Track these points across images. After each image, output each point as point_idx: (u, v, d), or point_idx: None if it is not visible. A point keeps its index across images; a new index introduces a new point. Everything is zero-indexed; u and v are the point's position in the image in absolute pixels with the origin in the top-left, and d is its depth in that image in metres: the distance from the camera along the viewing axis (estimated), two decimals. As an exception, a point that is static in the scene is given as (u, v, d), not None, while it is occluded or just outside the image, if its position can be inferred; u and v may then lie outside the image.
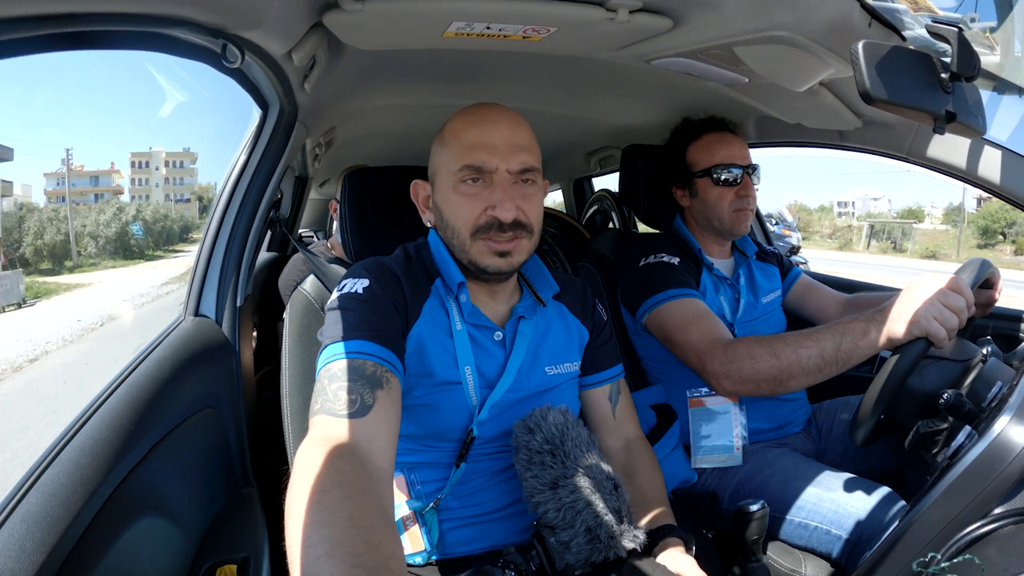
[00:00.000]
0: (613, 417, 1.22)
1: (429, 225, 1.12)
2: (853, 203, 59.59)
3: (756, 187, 1.60)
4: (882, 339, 1.14)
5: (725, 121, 1.63)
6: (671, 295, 1.46)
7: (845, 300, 1.73)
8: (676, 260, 1.53)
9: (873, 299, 1.67)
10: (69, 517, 0.70)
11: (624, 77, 1.61)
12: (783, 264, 1.81)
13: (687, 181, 1.63)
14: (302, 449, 0.79)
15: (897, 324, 1.12)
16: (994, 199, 1.88)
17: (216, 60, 0.89)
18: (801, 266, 1.98)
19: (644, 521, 1.07)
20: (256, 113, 1.34)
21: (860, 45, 0.80)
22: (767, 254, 1.78)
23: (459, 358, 1.04)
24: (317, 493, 0.70)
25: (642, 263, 1.55)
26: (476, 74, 1.61)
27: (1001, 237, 34.01)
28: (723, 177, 1.56)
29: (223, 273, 1.34)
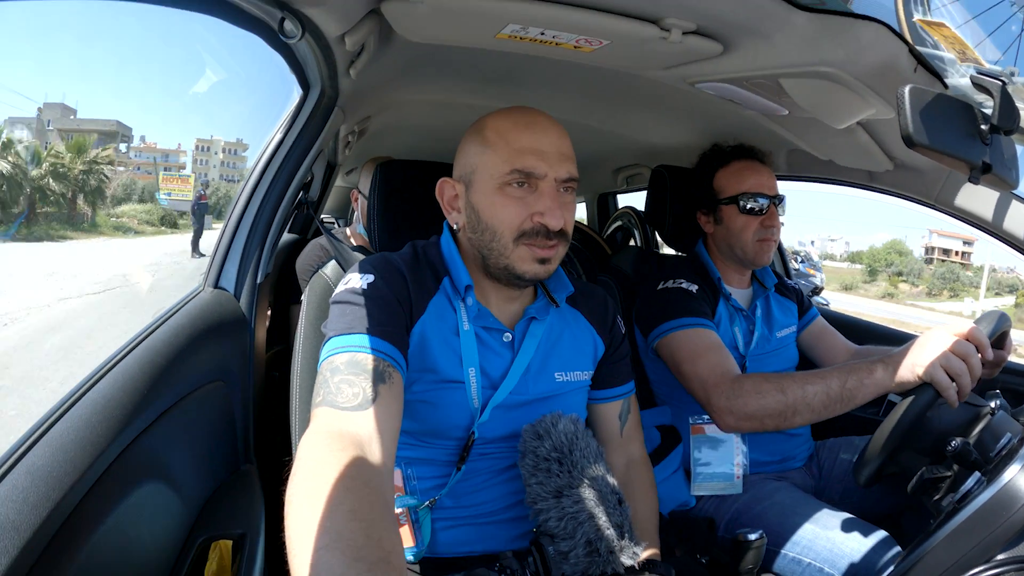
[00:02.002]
0: (620, 435, 1.21)
1: (456, 227, 1.10)
2: (812, 242, 65.25)
3: (781, 218, 1.59)
4: (889, 381, 1.14)
5: (755, 150, 1.62)
6: (685, 323, 1.45)
7: (854, 352, 1.71)
8: (695, 288, 1.51)
9: (882, 352, 1.66)
10: (75, 474, 0.70)
11: (662, 97, 1.61)
12: (803, 302, 1.79)
13: (712, 207, 1.61)
14: (304, 441, 0.79)
15: (905, 369, 1.12)
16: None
17: (271, 34, 0.90)
18: (821, 307, 1.96)
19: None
20: (296, 94, 1.35)
21: (907, 89, 0.81)
22: (787, 288, 1.76)
23: (464, 358, 1.03)
24: (319, 486, 0.69)
25: (660, 287, 1.54)
26: (518, 79, 1.61)
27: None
28: (749, 206, 1.54)
29: (247, 248, 1.34)
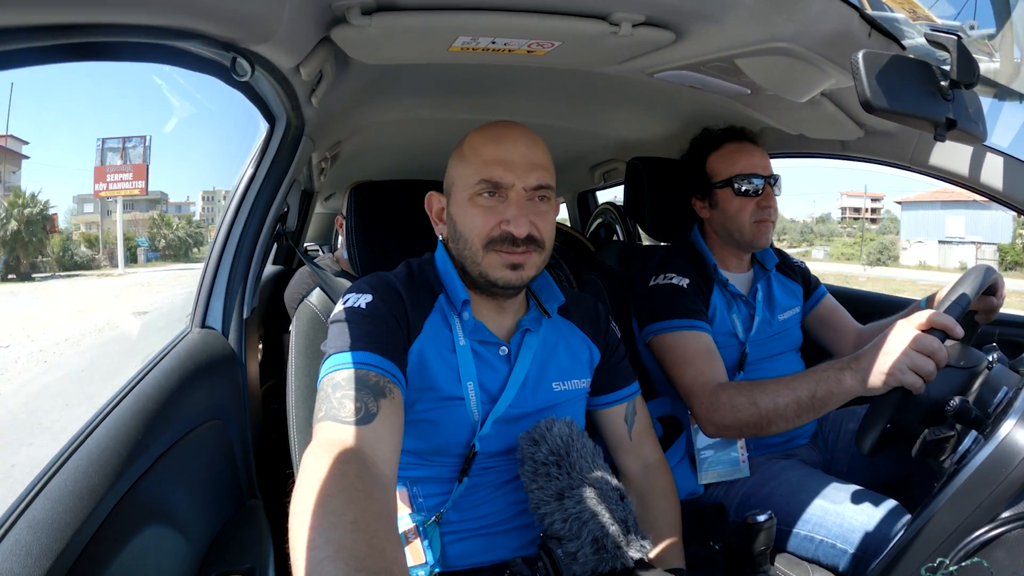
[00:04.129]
0: (630, 438, 1.21)
1: (441, 237, 1.13)
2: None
3: (777, 197, 1.57)
4: (860, 388, 1.14)
5: (745, 131, 1.61)
6: (675, 325, 1.45)
7: (860, 331, 1.69)
8: (686, 282, 1.50)
9: (885, 325, 1.66)
10: (76, 524, 0.70)
11: (628, 90, 1.62)
12: (809, 281, 1.76)
13: (707, 192, 1.59)
14: (307, 455, 0.80)
15: (873, 375, 1.10)
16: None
17: (225, 74, 0.91)
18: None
19: (653, 554, 1.06)
20: (263, 127, 1.36)
21: (860, 55, 0.82)
22: (791, 268, 1.73)
23: (461, 373, 1.04)
24: (322, 498, 0.70)
25: (652, 283, 1.53)
26: (481, 88, 1.62)
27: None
28: (744, 187, 1.52)
29: (230, 285, 1.34)
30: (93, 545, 0.72)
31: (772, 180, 1.55)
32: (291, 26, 0.89)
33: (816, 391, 1.19)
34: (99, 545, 0.73)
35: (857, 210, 57.70)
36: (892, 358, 1.07)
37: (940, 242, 37.00)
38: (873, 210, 56.37)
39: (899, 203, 39.52)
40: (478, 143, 1.06)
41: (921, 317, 1.08)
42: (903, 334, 1.08)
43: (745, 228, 1.54)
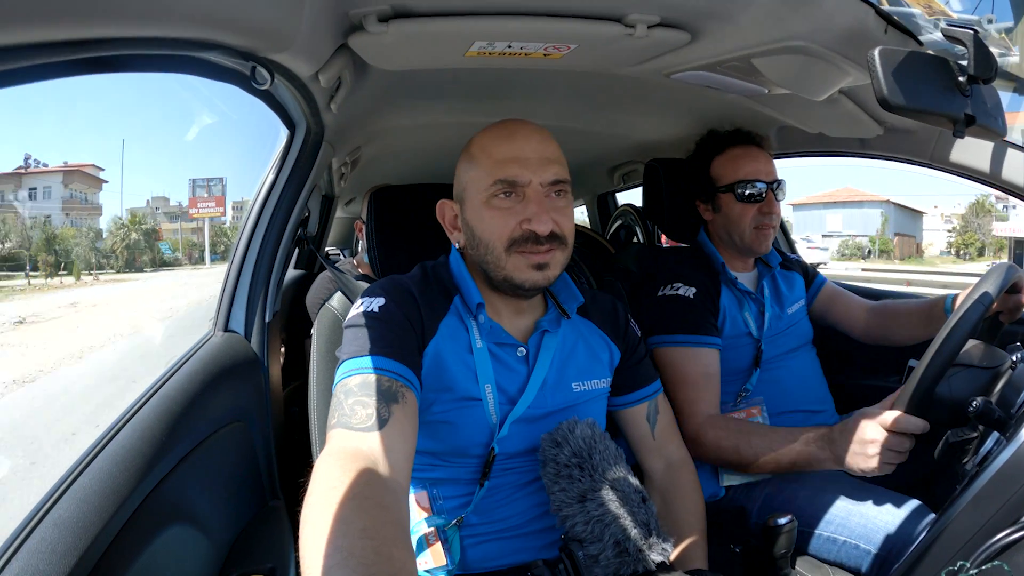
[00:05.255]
0: (653, 437, 1.21)
1: (458, 246, 1.12)
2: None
3: (780, 202, 1.57)
4: (835, 467, 1.19)
5: (751, 134, 1.61)
6: (680, 341, 1.45)
7: (871, 307, 1.71)
8: (692, 291, 1.50)
9: (901, 307, 1.65)
10: (100, 523, 0.72)
11: (645, 92, 1.61)
12: (807, 272, 1.78)
13: (710, 195, 1.60)
14: (319, 462, 0.81)
15: (848, 465, 1.15)
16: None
17: (245, 82, 0.93)
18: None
19: (674, 556, 1.05)
20: (283, 133, 1.38)
21: (876, 52, 0.81)
22: (790, 262, 1.75)
23: (479, 375, 1.04)
24: (332, 505, 0.71)
25: (659, 293, 1.54)
26: (499, 92, 1.63)
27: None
28: (747, 193, 1.53)
29: (252, 290, 1.36)
30: (117, 544, 0.74)
31: (776, 185, 1.55)
32: (309, 34, 0.91)
33: (796, 461, 1.25)
34: (122, 544, 0.75)
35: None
36: (863, 458, 1.12)
37: (823, 236, 42.34)
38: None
39: (791, 205, 43.40)
40: (487, 143, 1.05)
41: (889, 418, 1.09)
42: (873, 432, 1.11)
43: (746, 233, 1.55)
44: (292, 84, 1.06)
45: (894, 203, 42.81)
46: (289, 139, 1.38)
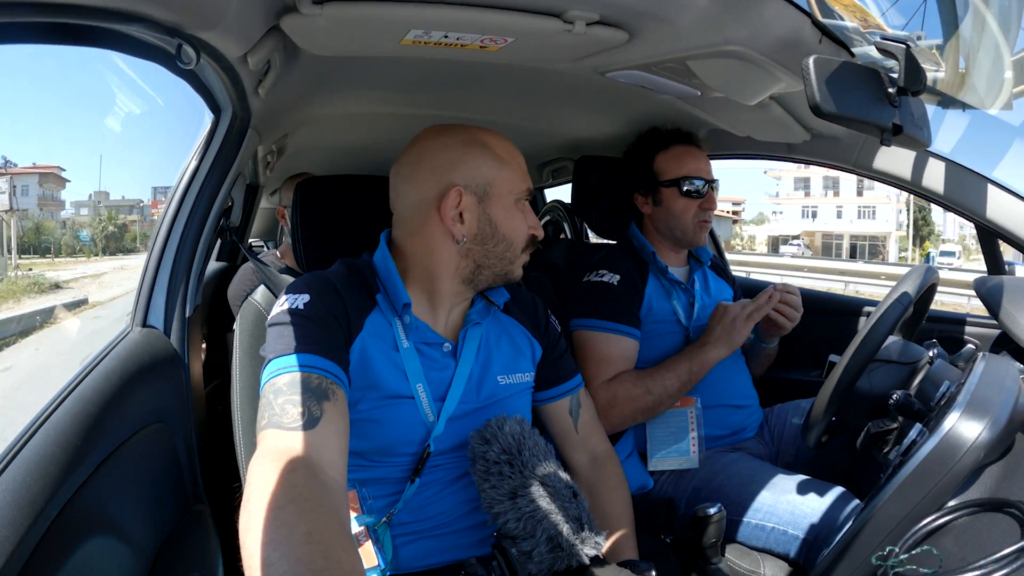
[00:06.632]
0: (576, 431, 1.23)
1: (459, 236, 1.06)
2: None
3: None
4: (725, 353, 1.43)
5: (692, 135, 1.68)
6: (599, 326, 1.51)
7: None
8: (616, 279, 1.54)
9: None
10: (15, 538, 0.66)
11: (578, 89, 1.63)
12: (733, 281, 1.86)
13: (652, 189, 1.65)
14: (253, 465, 0.78)
15: (735, 337, 1.42)
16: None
17: (170, 61, 0.87)
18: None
19: (605, 549, 1.07)
20: (208, 118, 1.31)
21: (811, 60, 0.83)
22: (723, 272, 1.83)
23: (409, 375, 1.03)
24: (272, 510, 0.69)
25: (585, 279, 1.59)
26: (433, 84, 1.60)
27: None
28: (691, 189, 1.59)
29: (172, 283, 1.29)
30: (34, 560, 0.68)
31: (714, 184, 1.63)
32: (239, 13, 0.86)
33: (692, 367, 1.43)
34: (40, 559, 0.69)
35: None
36: (734, 327, 1.43)
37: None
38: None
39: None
40: (508, 150, 1.11)
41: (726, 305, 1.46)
42: (724, 307, 1.46)
43: (688, 227, 1.62)
44: (219, 65, 1.01)
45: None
46: (214, 124, 1.31)
